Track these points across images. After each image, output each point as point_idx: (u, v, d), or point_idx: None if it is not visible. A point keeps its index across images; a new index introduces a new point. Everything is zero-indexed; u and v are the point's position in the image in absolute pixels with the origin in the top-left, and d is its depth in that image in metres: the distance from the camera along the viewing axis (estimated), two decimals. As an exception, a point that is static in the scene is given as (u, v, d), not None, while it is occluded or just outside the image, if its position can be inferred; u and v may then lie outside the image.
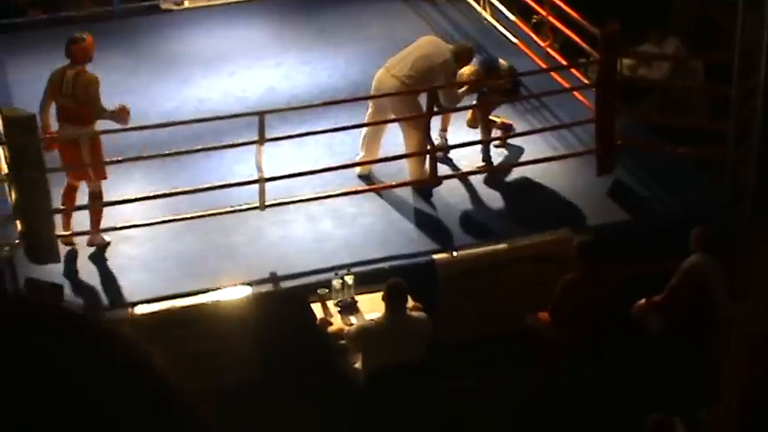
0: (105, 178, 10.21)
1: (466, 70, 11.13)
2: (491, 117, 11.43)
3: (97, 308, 9.51)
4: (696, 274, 9.23)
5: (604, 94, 10.78)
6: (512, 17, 13.44)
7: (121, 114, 10.12)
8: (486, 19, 13.87)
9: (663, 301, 9.31)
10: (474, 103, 11.37)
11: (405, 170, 11.02)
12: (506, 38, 13.25)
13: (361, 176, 11.07)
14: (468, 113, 11.46)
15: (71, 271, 10.03)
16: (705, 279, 9.22)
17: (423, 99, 10.69)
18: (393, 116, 10.87)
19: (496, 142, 11.46)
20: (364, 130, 11.03)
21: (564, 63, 12.34)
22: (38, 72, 10.47)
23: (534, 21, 13.47)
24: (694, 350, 9.14)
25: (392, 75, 10.74)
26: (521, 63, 11.97)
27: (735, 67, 10.09)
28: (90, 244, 10.26)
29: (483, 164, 11.25)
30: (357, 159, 11.05)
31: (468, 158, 11.31)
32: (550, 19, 12.62)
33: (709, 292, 9.20)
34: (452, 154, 11.26)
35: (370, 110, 11.02)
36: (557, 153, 11.33)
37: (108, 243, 10.29)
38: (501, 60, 11.56)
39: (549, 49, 12.70)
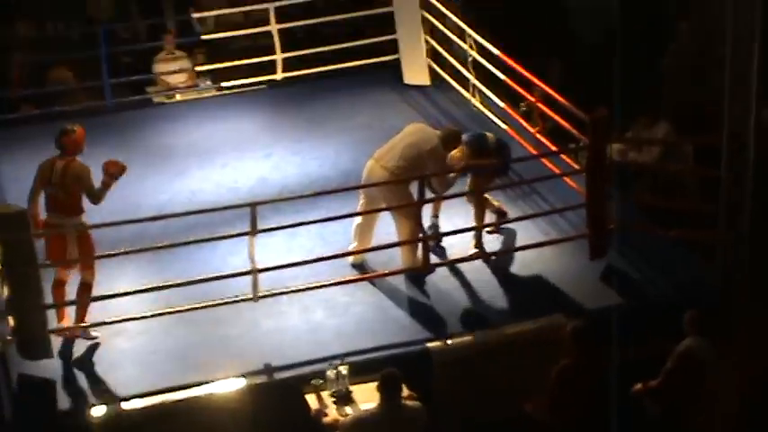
0: (91, 269, 10.20)
1: (456, 153, 11.18)
2: (488, 198, 11.47)
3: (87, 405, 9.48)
4: (691, 358, 9.22)
5: (595, 179, 10.82)
6: (501, 104, 13.53)
7: (112, 170, 10.13)
8: (475, 106, 13.96)
9: (659, 386, 9.29)
10: (468, 182, 11.42)
11: (397, 258, 11.02)
12: (496, 124, 13.32)
13: (354, 266, 11.08)
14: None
15: (64, 366, 9.98)
16: (700, 362, 9.20)
17: (413, 187, 10.74)
18: (384, 205, 10.90)
19: (489, 228, 11.49)
20: (357, 219, 11.07)
21: (554, 149, 12.40)
22: (31, 167, 10.50)
23: (523, 107, 13.57)
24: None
25: (381, 165, 10.79)
26: (511, 149, 12.01)
27: (723, 151, 10.15)
28: (76, 336, 10.22)
29: (476, 250, 11.26)
30: (350, 249, 11.07)
31: (460, 245, 11.32)
32: (539, 105, 12.70)
33: (705, 376, 9.16)
34: (445, 240, 11.26)
35: (361, 200, 11.06)
36: (549, 238, 11.34)
37: (95, 337, 10.25)
38: (488, 134, 11.61)
39: (538, 135, 12.77)
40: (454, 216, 11.61)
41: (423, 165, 10.78)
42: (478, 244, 11.29)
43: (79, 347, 10.19)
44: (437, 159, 10.89)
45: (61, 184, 10.12)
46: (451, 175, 11.05)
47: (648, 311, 10.37)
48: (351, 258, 11.09)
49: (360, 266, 11.09)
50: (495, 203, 11.63)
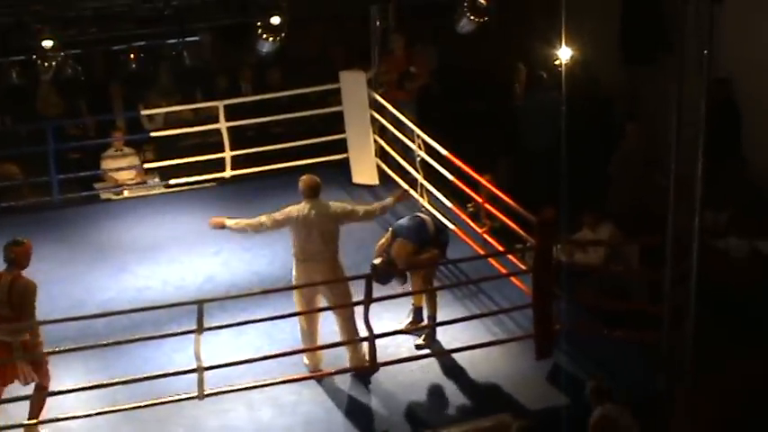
0: (47, 374, 10.06)
1: (397, 248, 11.16)
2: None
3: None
4: (607, 425, 9.46)
5: (541, 280, 10.90)
6: (448, 204, 13.63)
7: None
8: (423, 206, 14.04)
9: None
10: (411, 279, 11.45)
11: (345, 357, 11.00)
12: (443, 224, 13.40)
13: (307, 367, 11.04)
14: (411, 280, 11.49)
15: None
16: (616, 426, 9.44)
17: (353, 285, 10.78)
18: (319, 303, 10.93)
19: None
20: (300, 326, 11.03)
21: (501, 249, 12.48)
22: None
23: (470, 208, 13.66)
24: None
25: (319, 261, 10.78)
26: (458, 248, 12.08)
27: (667, 252, 10.26)
28: None
29: (425, 341, 11.31)
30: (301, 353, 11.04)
31: (407, 344, 11.32)
32: (486, 206, 12.80)
33: None
34: (390, 340, 11.23)
35: (300, 307, 11.00)
36: (495, 338, 11.37)
37: None
38: (425, 219, 11.55)
39: (485, 236, 12.86)
40: (402, 315, 11.62)
41: (338, 232, 10.88)
42: (429, 337, 11.33)
43: (23, 445, 10.06)
44: (340, 214, 10.89)
45: (8, 301, 9.94)
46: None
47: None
48: (306, 362, 11.05)
49: (315, 369, 11.04)
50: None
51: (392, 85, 15.65)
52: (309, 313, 10.92)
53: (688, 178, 9.89)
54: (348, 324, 10.89)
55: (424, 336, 11.43)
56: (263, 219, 10.98)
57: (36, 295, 9.97)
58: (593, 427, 9.47)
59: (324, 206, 10.89)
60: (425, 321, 11.51)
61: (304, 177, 11.18)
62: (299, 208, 10.92)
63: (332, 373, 10.90)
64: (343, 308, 10.83)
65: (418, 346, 11.36)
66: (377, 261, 11.04)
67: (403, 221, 11.46)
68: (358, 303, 10.71)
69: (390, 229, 11.47)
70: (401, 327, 11.46)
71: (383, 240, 11.36)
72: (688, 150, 9.83)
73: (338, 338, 11.01)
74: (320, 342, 11.05)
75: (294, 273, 10.97)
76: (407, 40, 16.08)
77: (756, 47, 13.50)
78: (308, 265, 10.81)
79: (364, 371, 10.90)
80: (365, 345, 10.80)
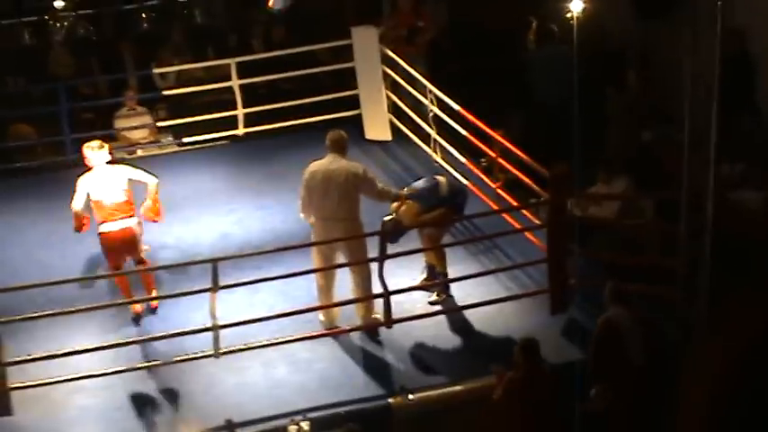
0: None
1: (404, 209, 11.15)
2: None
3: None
4: (612, 326, 9.69)
5: (555, 234, 10.89)
6: (462, 159, 13.60)
7: None
8: (436, 161, 14.03)
9: (590, 358, 9.73)
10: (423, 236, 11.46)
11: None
12: (457, 179, 13.39)
13: (326, 326, 11.07)
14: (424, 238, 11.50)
15: (24, 424, 9.89)
16: (620, 330, 9.66)
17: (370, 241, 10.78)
18: (342, 259, 10.93)
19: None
20: (316, 282, 11.06)
21: (515, 204, 12.46)
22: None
23: (483, 162, 13.64)
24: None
25: (336, 220, 10.77)
26: (472, 204, 12.07)
27: (681, 206, 10.23)
28: None
29: (440, 297, 11.35)
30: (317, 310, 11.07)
31: (422, 301, 11.34)
32: (500, 161, 12.78)
33: (625, 343, 9.65)
34: (405, 297, 11.23)
35: (317, 263, 11.00)
36: (510, 293, 11.38)
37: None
38: (441, 181, 11.57)
39: (499, 190, 12.83)
40: (416, 272, 11.63)
41: (358, 193, 10.85)
42: (443, 292, 11.35)
43: (40, 406, 10.11)
44: (359, 179, 10.85)
45: None
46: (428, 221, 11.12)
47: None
48: (322, 319, 11.09)
49: (331, 325, 11.07)
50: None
51: (401, 41, 15.59)
52: (325, 270, 10.93)
53: (702, 131, 9.85)
54: (364, 282, 10.89)
55: (437, 292, 11.45)
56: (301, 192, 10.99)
57: None
58: (600, 325, 9.78)
59: (346, 165, 10.87)
60: (438, 278, 11.54)
61: (330, 132, 11.17)
62: (320, 162, 10.93)
63: (347, 330, 10.93)
64: (360, 265, 10.83)
65: (432, 303, 11.38)
66: (386, 218, 11.03)
67: (418, 183, 11.47)
68: (372, 260, 10.71)
69: (405, 189, 11.47)
70: (415, 283, 11.47)
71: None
72: (702, 103, 9.78)
73: (353, 296, 11.03)
74: (336, 299, 11.08)
75: (313, 232, 10.97)
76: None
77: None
78: (328, 223, 10.81)
79: (379, 328, 10.92)
80: (379, 302, 10.82)
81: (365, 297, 10.92)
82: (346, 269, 10.98)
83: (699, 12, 9.54)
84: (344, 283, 11.07)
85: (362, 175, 10.86)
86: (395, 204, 11.19)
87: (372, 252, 10.77)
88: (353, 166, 10.92)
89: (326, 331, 10.89)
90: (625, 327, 9.73)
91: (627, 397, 9.66)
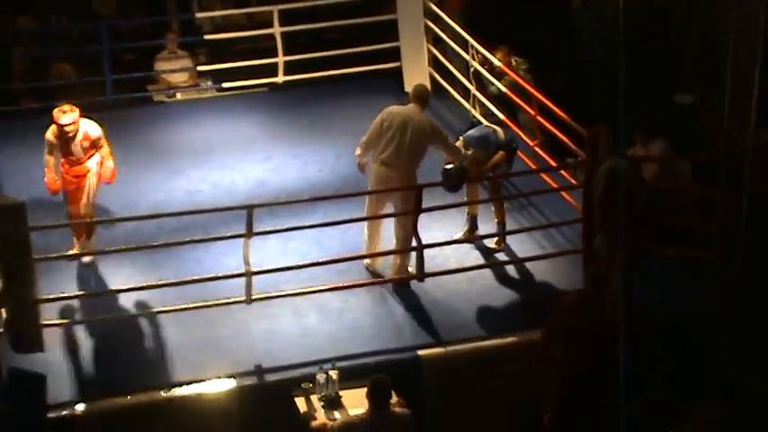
0: None
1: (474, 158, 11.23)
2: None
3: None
4: (617, 174, 9.64)
5: (591, 195, 10.83)
6: (500, 115, 13.54)
7: None
8: (474, 117, 13.97)
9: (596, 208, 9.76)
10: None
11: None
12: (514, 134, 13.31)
13: (370, 271, 11.13)
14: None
15: (56, 360, 9.98)
16: (623, 178, 9.63)
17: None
18: (387, 209, 10.95)
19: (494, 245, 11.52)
20: (365, 226, 11.08)
21: (552, 163, 12.41)
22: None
23: (523, 119, 13.58)
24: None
25: (396, 168, 10.75)
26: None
27: (720, 170, 10.17)
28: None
29: (499, 245, 11.48)
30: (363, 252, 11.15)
31: (456, 255, 11.33)
32: (539, 118, 12.71)
33: (629, 190, 9.68)
34: (439, 251, 11.22)
35: (370, 205, 11.01)
36: (544, 252, 11.36)
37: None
38: (497, 130, 11.62)
39: (536, 149, 12.78)
40: (450, 226, 11.62)
41: (426, 149, 10.89)
42: (501, 240, 11.45)
43: (70, 342, 10.18)
44: (435, 134, 10.91)
45: None
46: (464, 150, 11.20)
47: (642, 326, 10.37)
48: (366, 262, 11.15)
49: (375, 271, 11.12)
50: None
51: None
52: (366, 220, 10.95)
53: (743, 93, 9.77)
54: (407, 236, 10.86)
55: (496, 240, 11.48)
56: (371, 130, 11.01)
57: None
58: (603, 174, 9.79)
59: (426, 118, 10.95)
60: (478, 230, 11.54)
61: (416, 84, 11.43)
62: (401, 107, 11.02)
63: (379, 281, 10.94)
64: (406, 217, 10.80)
65: (491, 250, 11.42)
66: (449, 166, 11.01)
67: (473, 132, 11.48)
68: (408, 213, 10.69)
69: (461, 137, 11.46)
70: (458, 237, 11.47)
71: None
72: (744, 64, 9.70)
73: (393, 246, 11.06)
74: (382, 245, 11.09)
75: (371, 176, 10.99)
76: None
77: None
78: (385, 170, 10.80)
79: (411, 281, 10.93)
80: (412, 255, 10.83)
81: (401, 250, 10.91)
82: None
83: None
84: (389, 232, 11.09)
85: (437, 133, 10.94)
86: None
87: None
88: (432, 121, 11.05)
89: (357, 282, 10.88)
90: (629, 174, 9.74)
91: (635, 242, 9.51)
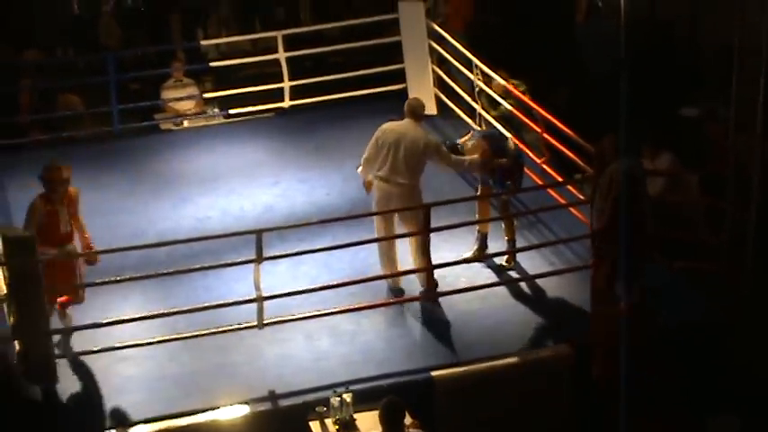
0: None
1: (473, 147, 11.27)
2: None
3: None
4: (633, 177, 9.62)
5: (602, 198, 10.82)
6: (507, 134, 13.52)
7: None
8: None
9: (609, 216, 9.57)
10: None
11: (412, 285, 11.09)
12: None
13: (392, 291, 11.16)
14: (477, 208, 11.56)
15: (69, 391, 9.99)
16: (637, 181, 9.63)
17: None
18: (395, 225, 11.00)
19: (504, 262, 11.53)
20: (379, 246, 11.11)
21: (559, 179, 12.42)
22: (36, 193, 10.53)
23: (530, 138, 13.59)
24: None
25: (395, 183, 10.81)
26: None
27: (728, 182, 10.17)
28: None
29: (509, 263, 11.50)
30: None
31: (467, 275, 11.33)
32: (545, 136, 12.73)
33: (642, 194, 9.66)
34: (449, 270, 11.22)
35: (378, 224, 11.04)
36: (554, 268, 11.36)
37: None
38: (509, 138, 11.77)
39: (544, 166, 12.80)
40: (462, 247, 11.62)
41: (423, 162, 10.92)
42: (511, 258, 11.47)
43: (83, 374, 10.20)
44: (430, 149, 10.90)
45: None
46: (469, 162, 11.18)
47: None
48: (390, 283, 11.19)
49: (397, 288, 11.16)
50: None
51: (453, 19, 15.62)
52: (382, 239, 10.99)
53: (749, 105, 9.78)
54: (423, 249, 10.89)
55: (506, 258, 11.51)
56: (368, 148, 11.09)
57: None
58: (617, 180, 9.56)
59: (422, 132, 10.99)
60: (488, 249, 11.55)
61: (410, 98, 11.49)
62: (395, 123, 11.09)
63: (390, 303, 10.94)
64: (417, 233, 10.84)
65: (501, 268, 11.44)
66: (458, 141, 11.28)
67: (485, 131, 11.58)
68: (430, 231, 10.70)
69: (471, 132, 11.63)
70: (468, 256, 11.48)
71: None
72: (750, 75, 9.71)
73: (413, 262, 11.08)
74: (399, 261, 11.13)
75: (374, 193, 11.03)
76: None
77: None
78: (385, 185, 10.86)
79: (421, 300, 10.94)
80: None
81: (418, 269, 10.94)
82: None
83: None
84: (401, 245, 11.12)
85: (435, 144, 10.98)
86: (463, 139, 11.40)
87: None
88: (427, 135, 11.10)
89: (368, 304, 10.87)
90: (641, 176, 9.76)
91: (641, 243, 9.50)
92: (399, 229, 11.04)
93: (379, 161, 10.90)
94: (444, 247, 11.44)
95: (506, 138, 11.75)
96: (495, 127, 13.71)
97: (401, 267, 11.12)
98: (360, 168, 11.17)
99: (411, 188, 10.87)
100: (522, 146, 13.14)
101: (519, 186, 11.62)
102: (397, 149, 10.82)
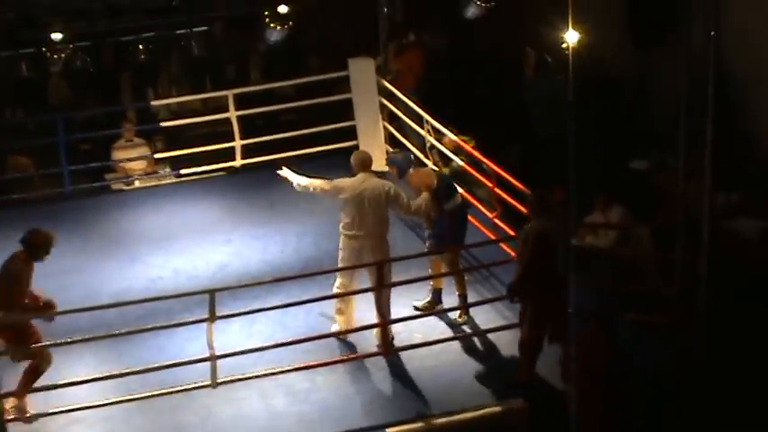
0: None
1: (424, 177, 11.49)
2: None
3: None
4: (546, 238, 10.14)
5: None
6: (459, 189, 13.58)
7: None
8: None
9: (522, 274, 10.25)
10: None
11: (365, 340, 11.10)
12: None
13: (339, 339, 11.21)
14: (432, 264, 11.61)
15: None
16: (551, 241, 10.12)
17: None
18: (359, 280, 11.06)
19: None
20: (336, 299, 11.13)
21: (512, 233, 12.46)
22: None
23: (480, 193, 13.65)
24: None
25: (373, 236, 10.89)
26: (469, 234, 12.06)
27: (678, 231, 10.24)
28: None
29: (462, 318, 11.53)
30: (336, 326, 11.24)
31: (422, 329, 11.33)
32: (497, 190, 12.79)
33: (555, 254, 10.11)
34: (404, 325, 11.24)
35: (343, 279, 11.10)
36: (507, 322, 11.38)
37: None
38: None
39: (496, 220, 12.84)
40: (413, 299, 11.64)
41: (389, 211, 11.07)
42: (465, 313, 11.51)
43: (37, 436, 10.10)
44: (396, 195, 11.04)
45: None
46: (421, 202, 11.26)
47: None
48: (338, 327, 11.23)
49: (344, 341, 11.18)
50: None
51: (402, 73, 15.69)
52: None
53: (697, 158, 9.88)
54: (384, 302, 10.96)
55: (459, 313, 11.55)
56: (324, 182, 11.19)
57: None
58: (534, 240, 10.17)
59: (377, 182, 11.07)
60: (442, 304, 11.57)
61: (355, 152, 11.59)
62: (352, 180, 11.09)
63: (345, 359, 10.92)
64: (382, 287, 10.86)
65: (455, 322, 11.46)
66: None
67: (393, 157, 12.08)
68: (368, 290, 10.73)
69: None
70: (417, 307, 11.53)
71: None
72: (696, 126, 9.82)
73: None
74: (355, 315, 11.22)
75: (341, 247, 11.06)
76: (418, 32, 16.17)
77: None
78: (358, 241, 10.90)
79: (378, 356, 10.93)
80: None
81: (377, 324, 10.99)
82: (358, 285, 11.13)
83: (693, 41, 9.60)
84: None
85: (394, 196, 11.04)
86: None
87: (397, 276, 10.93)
88: (386, 183, 11.15)
89: (323, 361, 10.84)
90: (554, 237, 10.11)
91: (552, 308, 9.85)
92: (363, 284, 11.07)
93: (347, 216, 10.97)
94: (399, 302, 11.43)
95: (411, 159, 12.03)
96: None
97: (355, 324, 11.12)
98: (319, 182, 11.29)
99: (381, 239, 10.94)
100: (474, 201, 13.22)
101: (461, 235, 11.67)
102: (362, 205, 10.89)
